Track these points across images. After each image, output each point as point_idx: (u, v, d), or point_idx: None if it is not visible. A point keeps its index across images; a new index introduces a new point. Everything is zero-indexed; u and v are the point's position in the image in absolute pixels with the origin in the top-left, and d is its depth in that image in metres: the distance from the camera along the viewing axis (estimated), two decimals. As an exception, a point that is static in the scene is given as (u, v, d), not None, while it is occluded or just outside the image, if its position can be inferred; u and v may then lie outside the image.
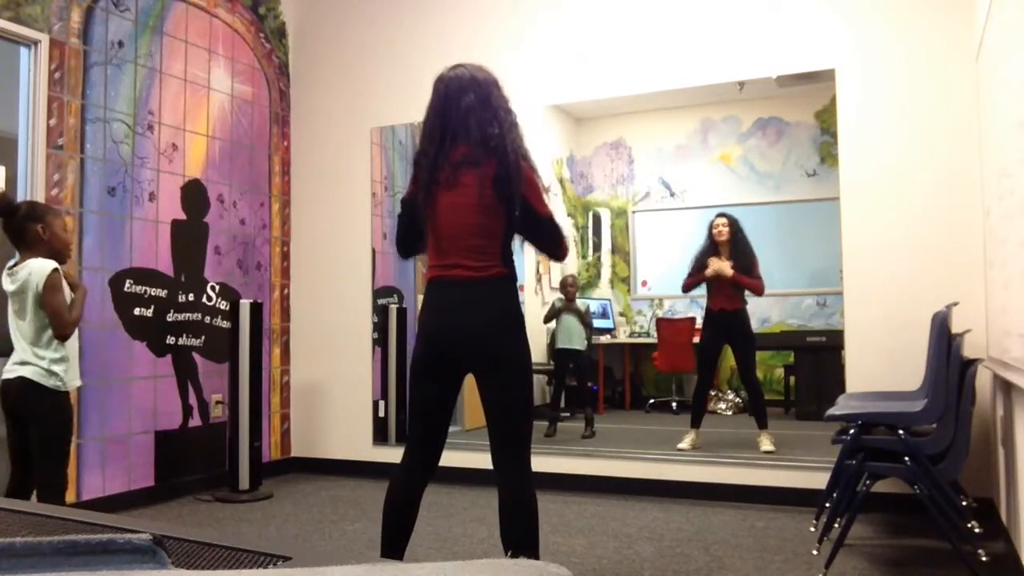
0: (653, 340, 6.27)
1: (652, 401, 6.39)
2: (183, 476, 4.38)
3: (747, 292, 4.71)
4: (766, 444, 4.42)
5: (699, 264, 4.82)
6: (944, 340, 2.93)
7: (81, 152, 3.91)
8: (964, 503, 3.25)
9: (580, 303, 5.68)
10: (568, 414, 5.73)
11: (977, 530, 3.12)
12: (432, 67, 2.53)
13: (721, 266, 4.68)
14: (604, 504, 4.00)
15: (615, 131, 6.60)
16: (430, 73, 2.44)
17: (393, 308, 5.05)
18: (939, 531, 2.90)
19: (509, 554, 2.18)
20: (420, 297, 5.19)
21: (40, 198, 3.66)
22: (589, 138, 6.64)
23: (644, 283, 6.70)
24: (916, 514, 3.41)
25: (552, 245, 2.36)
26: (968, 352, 3.06)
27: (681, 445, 4.59)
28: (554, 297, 5.81)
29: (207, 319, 4.59)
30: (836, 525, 3.12)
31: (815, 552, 3.09)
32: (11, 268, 2.78)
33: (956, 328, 3.17)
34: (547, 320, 5.62)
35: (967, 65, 3.70)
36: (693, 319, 5.86)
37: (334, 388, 5.05)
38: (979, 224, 3.62)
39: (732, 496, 4.00)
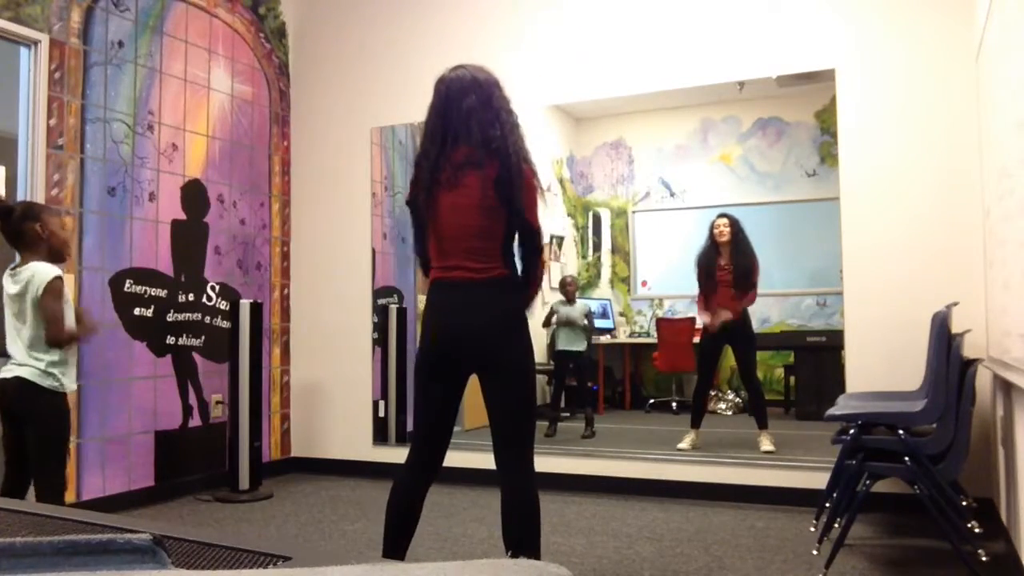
0: (653, 340, 6.27)
1: (652, 401, 6.39)
2: (183, 476, 4.38)
3: (747, 292, 4.72)
4: (766, 444, 4.42)
5: (701, 266, 4.83)
6: (944, 340, 2.93)
7: (81, 152, 3.91)
8: (964, 503, 3.25)
9: (580, 303, 5.68)
10: (568, 414, 5.73)
11: (977, 530, 3.12)
12: (432, 67, 2.53)
13: (723, 316, 4.71)
14: (604, 504, 4.00)
15: (615, 131, 6.60)
16: (430, 73, 2.44)
17: (393, 308, 5.05)
18: (939, 531, 2.90)
19: (510, 554, 2.18)
20: (420, 297, 5.22)
21: (40, 198, 3.66)
22: (589, 138, 6.64)
23: (644, 283, 6.70)
24: (916, 514, 3.41)
25: (529, 255, 2.32)
26: (968, 352, 3.06)
27: (681, 445, 4.60)
28: (554, 297, 5.81)
29: (207, 319, 4.59)
30: (836, 525, 3.12)
31: (815, 552, 3.09)
32: (13, 270, 2.78)
33: (956, 328, 3.17)
34: (545, 324, 5.62)
35: (967, 65, 3.70)
36: (693, 319, 5.86)
37: (334, 388, 5.05)
38: (979, 224, 3.62)
39: (732, 496, 4.00)
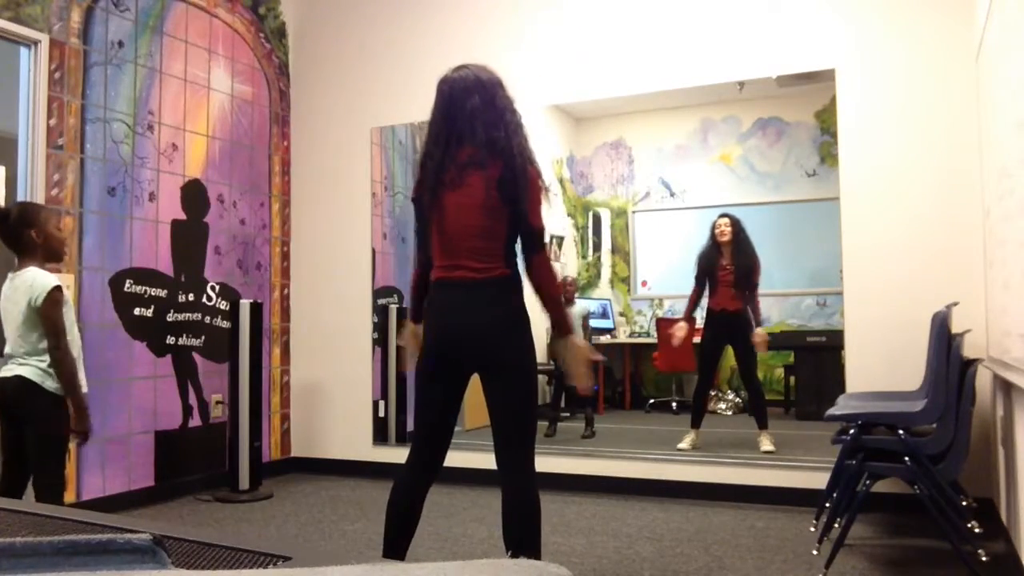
0: (653, 340, 6.26)
1: (652, 401, 6.39)
2: (183, 476, 4.38)
3: (748, 292, 4.72)
4: (766, 444, 4.42)
5: (702, 266, 4.83)
6: (944, 340, 2.93)
7: (81, 152, 3.91)
8: (964, 503, 3.25)
9: (579, 305, 5.68)
10: (568, 414, 5.73)
11: (977, 530, 3.12)
12: (432, 67, 2.53)
13: (680, 335, 4.99)
14: (604, 504, 4.00)
15: (615, 131, 6.59)
16: (430, 73, 2.43)
17: (393, 308, 5.05)
18: (939, 531, 2.90)
19: (510, 554, 2.18)
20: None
21: (40, 198, 3.66)
22: (589, 138, 6.63)
23: (644, 283, 6.69)
24: (916, 514, 3.41)
25: (531, 255, 2.28)
26: (968, 352, 3.06)
27: (681, 445, 4.59)
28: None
29: (207, 319, 4.59)
30: (836, 525, 3.12)
31: (815, 552, 3.09)
32: (13, 274, 2.77)
33: (956, 328, 3.17)
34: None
35: (967, 65, 3.70)
36: (693, 319, 5.86)
37: (334, 388, 5.05)
38: (979, 224, 3.62)
39: (732, 496, 4.00)
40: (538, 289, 2.29)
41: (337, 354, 5.03)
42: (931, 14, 3.78)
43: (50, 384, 2.70)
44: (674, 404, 6.22)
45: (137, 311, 4.17)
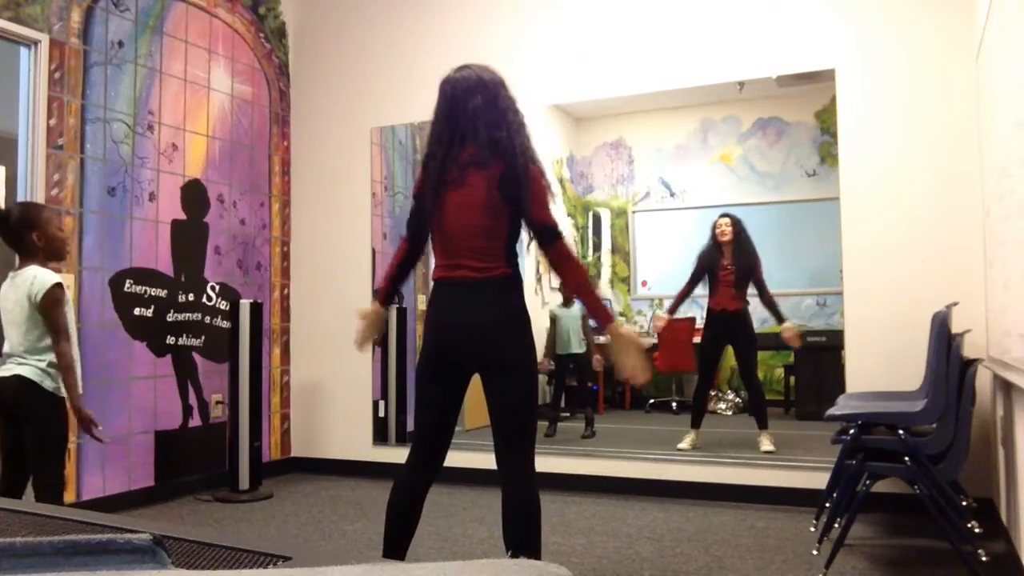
0: (653, 340, 6.27)
1: (652, 401, 6.39)
2: (183, 476, 4.38)
3: (748, 292, 4.72)
4: (766, 444, 4.42)
5: (702, 264, 4.84)
6: (944, 340, 2.93)
7: (81, 152, 3.91)
8: (964, 503, 3.25)
9: (578, 305, 5.67)
10: (568, 414, 5.73)
11: (977, 530, 3.12)
12: (432, 67, 2.53)
13: (659, 325, 5.01)
14: (604, 504, 4.00)
15: (615, 131, 6.59)
16: (430, 73, 2.44)
17: (393, 308, 5.05)
18: (939, 531, 2.90)
19: (510, 554, 2.18)
20: (420, 297, 5.22)
21: (40, 198, 3.66)
22: (589, 138, 6.63)
23: (644, 283, 6.69)
24: (916, 514, 3.41)
25: (551, 251, 2.25)
26: (968, 352, 3.06)
27: (681, 445, 4.59)
28: (554, 297, 5.81)
29: (207, 319, 4.59)
30: (836, 525, 3.12)
31: (815, 552, 3.09)
32: (14, 273, 2.77)
33: (956, 328, 3.17)
34: (550, 336, 5.61)
35: (967, 65, 3.70)
36: (693, 319, 5.86)
37: (334, 388, 5.05)
38: (979, 224, 3.62)
39: (732, 496, 4.00)
40: (562, 278, 2.30)
41: (337, 354, 5.03)
42: (931, 14, 3.78)
43: (49, 384, 2.70)
44: (674, 404, 6.22)
45: (137, 311, 4.17)
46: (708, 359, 4.93)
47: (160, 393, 4.29)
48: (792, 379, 5.69)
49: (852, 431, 2.90)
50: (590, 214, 6.76)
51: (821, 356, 5.17)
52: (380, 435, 4.93)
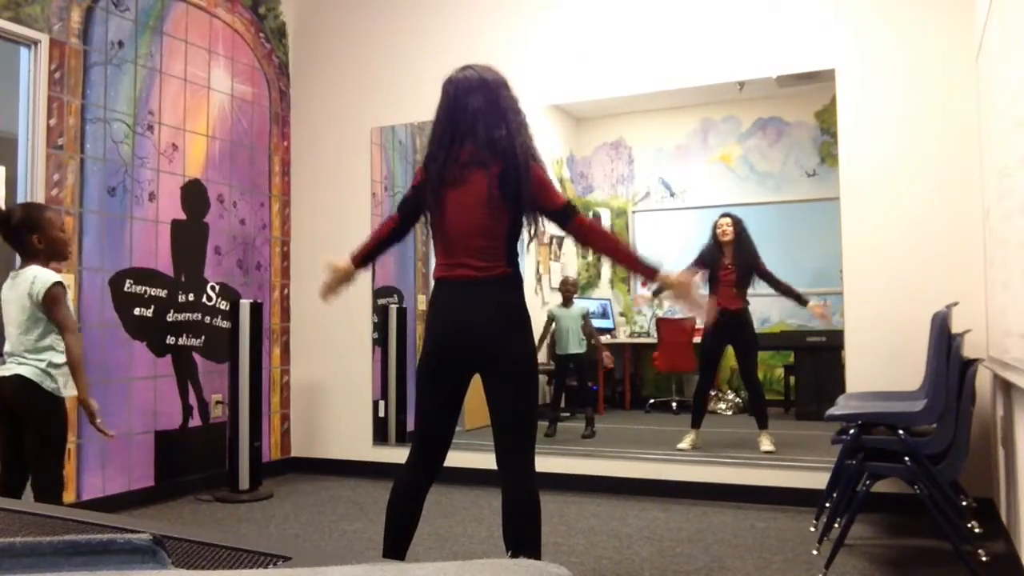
0: (653, 340, 6.27)
1: (652, 401, 6.39)
2: (183, 476, 4.38)
3: (749, 292, 4.72)
4: (766, 444, 4.42)
5: (704, 262, 4.83)
6: (944, 340, 2.93)
7: (81, 152, 3.91)
8: (964, 503, 3.25)
9: (578, 306, 5.67)
10: (568, 414, 5.73)
11: (977, 530, 3.12)
12: (432, 67, 2.53)
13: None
14: (604, 504, 4.00)
15: (615, 131, 6.59)
16: (430, 73, 2.44)
17: (393, 308, 5.05)
18: (939, 531, 2.90)
19: (510, 554, 2.18)
20: (421, 297, 5.22)
21: (40, 198, 3.66)
22: (589, 138, 6.63)
23: (644, 283, 6.69)
24: (916, 514, 3.41)
25: (565, 225, 2.29)
26: (968, 352, 3.06)
27: (681, 445, 4.59)
28: (554, 296, 5.81)
29: (207, 319, 4.59)
30: (836, 525, 3.12)
31: (815, 552, 3.09)
32: (15, 273, 2.77)
33: (956, 328, 3.17)
34: (544, 334, 5.56)
35: (967, 65, 3.70)
36: (693, 319, 5.86)
37: (334, 388, 5.05)
38: (979, 224, 3.62)
39: (732, 496, 4.00)
40: (594, 248, 2.33)
41: (337, 354, 5.03)
42: (931, 14, 3.78)
43: (49, 384, 2.70)
44: (674, 404, 6.22)
45: (137, 311, 4.17)
46: (708, 359, 4.93)
47: (160, 393, 4.29)
48: (792, 379, 5.69)
49: (852, 431, 2.90)
50: (590, 214, 6.76)
51: (821, 356, 5.17)
52: (380, 435, 4.93)
